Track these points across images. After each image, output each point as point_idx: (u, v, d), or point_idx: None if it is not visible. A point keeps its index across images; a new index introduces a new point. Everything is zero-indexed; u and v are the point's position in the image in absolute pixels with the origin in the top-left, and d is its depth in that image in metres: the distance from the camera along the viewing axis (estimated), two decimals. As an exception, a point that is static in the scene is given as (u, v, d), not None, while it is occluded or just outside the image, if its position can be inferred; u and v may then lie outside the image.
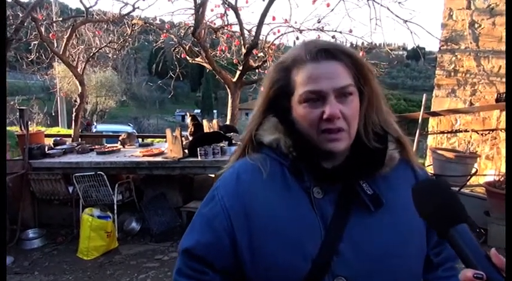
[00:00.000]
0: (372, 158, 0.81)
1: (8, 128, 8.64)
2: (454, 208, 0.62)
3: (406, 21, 5.39)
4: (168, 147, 4.43)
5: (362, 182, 0.79)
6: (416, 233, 0.80)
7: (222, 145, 4.31)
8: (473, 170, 4.10)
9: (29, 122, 4.72)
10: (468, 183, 4.24)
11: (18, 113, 5.28)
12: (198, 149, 4.16)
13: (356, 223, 0.77)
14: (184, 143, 4.39)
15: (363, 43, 6.24)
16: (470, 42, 5.35)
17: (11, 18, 4.96)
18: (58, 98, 11.62)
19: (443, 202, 0.62)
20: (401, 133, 0.85)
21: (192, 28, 5.16)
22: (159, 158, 4.34)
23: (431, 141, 5.80)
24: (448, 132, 5.41)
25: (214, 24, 6.00)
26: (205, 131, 4.83)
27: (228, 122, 5.66)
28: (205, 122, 5.03)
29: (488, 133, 5.01)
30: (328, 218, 0.77)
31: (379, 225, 0.78)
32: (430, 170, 4.31)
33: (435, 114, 5.41)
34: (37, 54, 6.04)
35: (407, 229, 0.79)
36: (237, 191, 0.81)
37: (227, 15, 5.83)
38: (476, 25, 5.33)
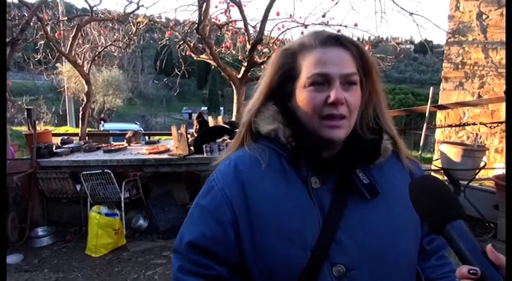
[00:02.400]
0: (368, 148, 0.81)
1: (16, 128, 8.75)
2: (450, 204, 0.61)
3: (412, 13, 5.31)
4: (174, 144, 4.44)
5: (358, 172, 0.79)
6: (411, 221, 0.80)
7: (227, 141, 4.31)
8: (482, 164, 4.04)
9: (37, 122, 4.76)
10: (477, 177, 4.19)
11: (26, 113, 5.33)
12: (204, 146, 4.17)
13: (353, 212, 0.78)
14: (189, 140, 4.40)
15: (369, 37, 6.17)
16: (478, 34, 5.26)
17: (16, 18, 4.99)
18: (66, 97, 11.74)
19: (439, 197, 0.62)
20: (395, 131, 0.87)
21: (196, 25, 5.16)
22: (165, 156, 4.37)
23: (439, 135, 5.74)
24: (456, 125, 5.34)
25: (219, 21, 5.99)
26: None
27: (233, 119, 5.66)
28: (210, 119, 5.04)
29: (497, 126, 4.92)
30: (325, 207, 0.78)
31: (375, 213, 0.79)
32: (438, 164, 4.26)
33: (443, 107, 5.35)
34: (43, 54, 6.08)
35: (402, 217, 0.79)
36: (236, 182, 0.81)
37: (229, 11, 5.81)
38: (484, 16, 5.24)
